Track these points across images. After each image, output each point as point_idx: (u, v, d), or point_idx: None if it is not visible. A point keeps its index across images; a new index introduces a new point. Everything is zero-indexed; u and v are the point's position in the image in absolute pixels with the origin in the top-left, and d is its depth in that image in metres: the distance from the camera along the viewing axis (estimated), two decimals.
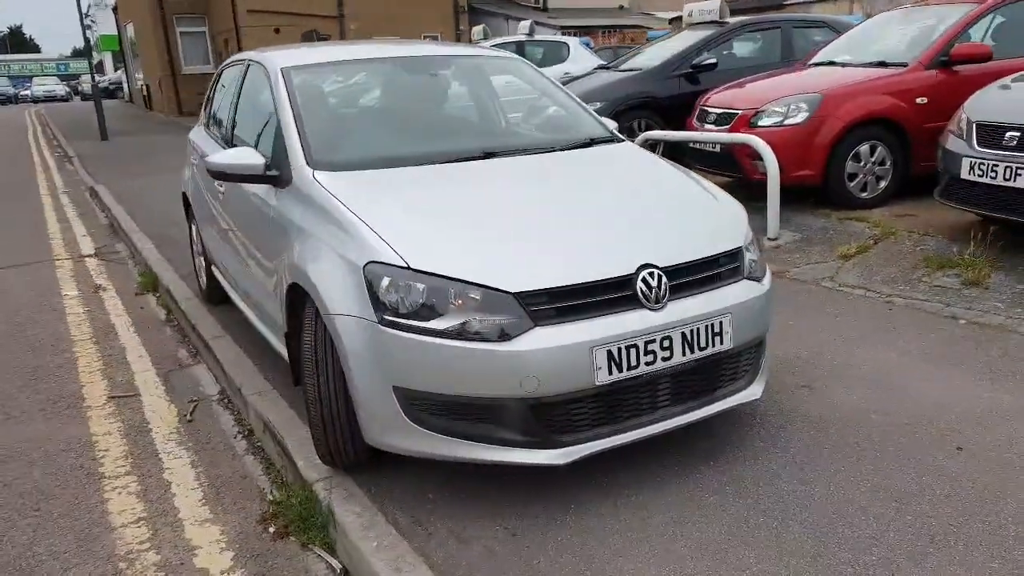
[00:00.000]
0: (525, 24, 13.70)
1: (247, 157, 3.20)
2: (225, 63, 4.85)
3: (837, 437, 2.95)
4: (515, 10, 34.51)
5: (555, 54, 13.77)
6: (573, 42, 14.24)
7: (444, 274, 2.41)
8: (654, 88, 8.18)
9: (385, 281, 2.46)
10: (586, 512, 2.56)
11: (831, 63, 6.70)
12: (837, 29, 8.72)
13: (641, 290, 2.49)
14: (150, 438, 3.60)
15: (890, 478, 2.65)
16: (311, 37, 31.11)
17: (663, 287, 2.53)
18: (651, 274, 2.52)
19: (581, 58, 13.55)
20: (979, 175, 4.48)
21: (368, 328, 2.47)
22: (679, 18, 26.69)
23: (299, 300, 2.90)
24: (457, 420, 2.45)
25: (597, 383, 2.41)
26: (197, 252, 5.20)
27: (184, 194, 5.21)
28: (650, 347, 2.47)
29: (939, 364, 3.56)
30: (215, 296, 5.04)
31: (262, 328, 3.69)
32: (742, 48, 8.64)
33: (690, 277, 2.62)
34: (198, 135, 4.90)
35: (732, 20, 8.84)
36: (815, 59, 7.10)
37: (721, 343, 2.63)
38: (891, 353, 3.73)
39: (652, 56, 8.79)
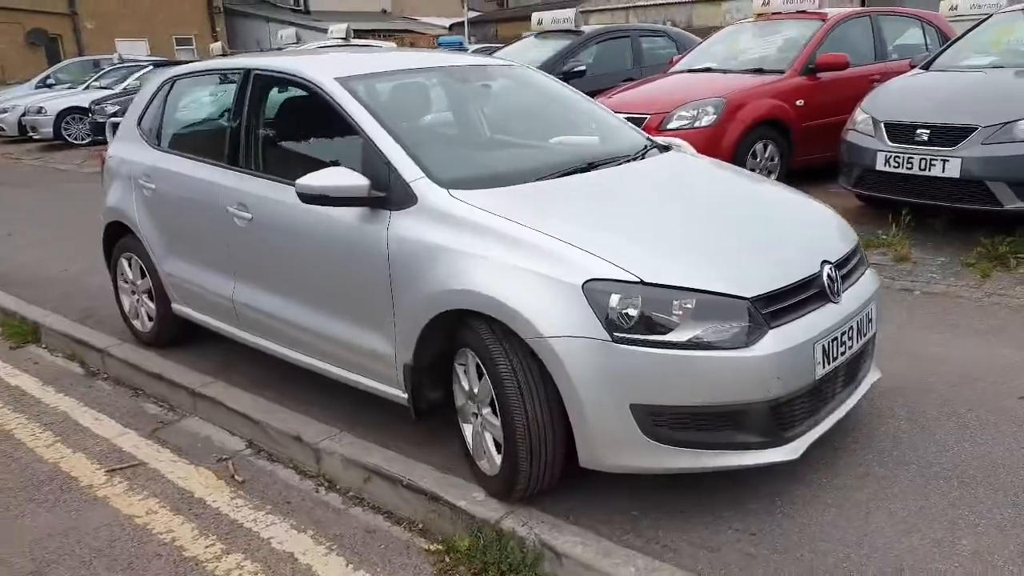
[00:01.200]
0: (340, 28, 13.23)
1: (350, 178, 2.87)
2: (177, 73, 4.24)
3: (924, 403, 3.31)
4: (274, 12, 33.06)
5: None
6: (389, 47, 14.00)
7: (681, 285, 2.39)
8: None
9: (615, 298, 2.38)
10: (794, 501, 2.66)
11: (707, 69, 7.34)
12: (673, 38, 9.54)
13: (827, 285, 2.66)
14: (212, 508, 3.09)
15: (998, 430, 3.06)
16: (38, 37, 27.38)
17: (838, 280, 2.72)
18: (830, 269, 2.70)
19: None
20: (895, 166, 5.23)
21: (599, 348, 2.36)
22: (460, 23, 26.99)
23: (446, 329, 2.70)
24: (698, 430, 2.44)
25: (816, 377, 2.54)
26: (135, 290, 4.48)
27: (113, 224, 4.45)
28: (843, 338, 2.65)
29: (934, 330, 4.12)
30: (165, 339, 4.40)
31: (332, 368, 3.30)
32: (598, 55, 9.12)
33: (846, 269, 2.83)
34: (145, 155, 4.20)
35: (586, 28, 9.30)
36: (685, 66, 7.73)
37: (871, 328, 2.87)
38: (887, 325, 4.24)
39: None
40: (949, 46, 6.31)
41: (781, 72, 6.78)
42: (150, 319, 4.44)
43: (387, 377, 3.05)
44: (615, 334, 2.36)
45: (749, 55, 7.38)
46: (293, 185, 3.21)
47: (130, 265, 4.46)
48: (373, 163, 2.96)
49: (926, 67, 6.15)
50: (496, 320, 2.55)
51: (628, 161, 3.38)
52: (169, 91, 4.22)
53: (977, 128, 4.87)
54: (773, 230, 2.85)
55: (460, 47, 16.06)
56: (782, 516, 2.59)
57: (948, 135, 4.98)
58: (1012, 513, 2.54)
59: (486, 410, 2.69)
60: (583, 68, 8.53)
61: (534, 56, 8.87)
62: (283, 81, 3.53)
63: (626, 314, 2.37)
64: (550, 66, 8.61)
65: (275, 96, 3.58)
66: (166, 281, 4.15)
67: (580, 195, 2.96)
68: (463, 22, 24.13)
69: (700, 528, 2.56)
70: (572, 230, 2.59)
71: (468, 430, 2.90)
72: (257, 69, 3.61)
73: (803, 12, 7.57)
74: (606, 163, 3.27)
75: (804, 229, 2.94)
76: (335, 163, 3.10)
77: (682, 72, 7.60)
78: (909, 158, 5.14)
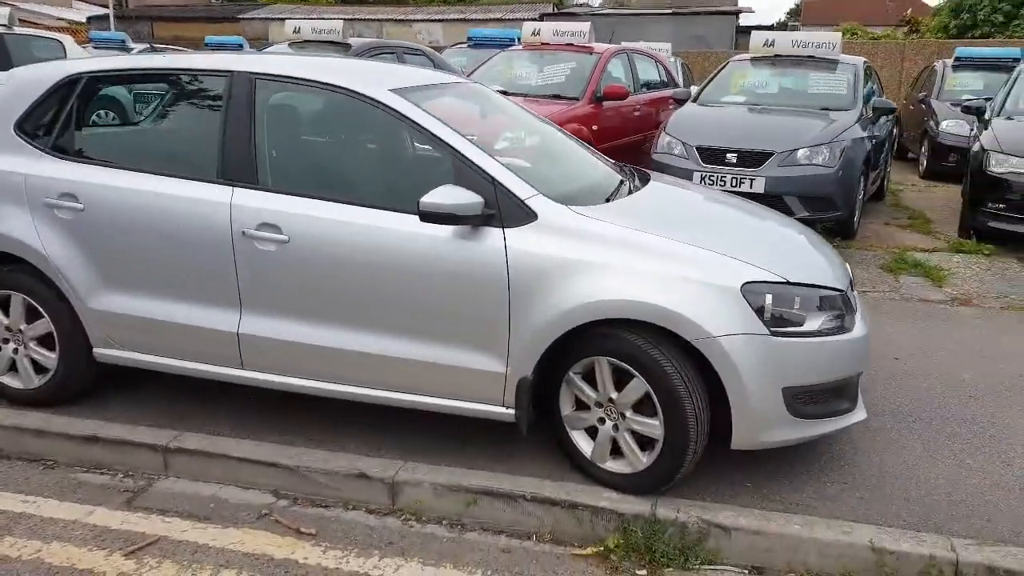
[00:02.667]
0: (2, 12, 11.01)
1: (467, 196, 2.82)
2: (89, 70, 3.46)
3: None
4: None
5: (50, 55, 11.46)
6: (68, 42, 12.02)
7: (814, 283, 2.87)
8: None
9: (768, 297, 2.77)
10: (854, 458, 3.28)
11: (504, 92, 7.84)
12: (430, 57, 9.90)
13: (850, 278, 3.35)
14: (317, 566, 2.77)
15: (942, 392, 4.02)
16: None
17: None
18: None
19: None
20: (710, 184, 6.30)
21: (761, 342, 2.73)
22: (103, 17, 23.49)
23: (585, 338, 2.85)
24: (821, 403, 2.92)
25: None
26: (13, 338, 3.57)
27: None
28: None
29: None
30: (66, 395, 3.62)
31: (398, 396, 3.11)
32: None
33: None
34: (51, 168, 3.37)
35: (355, 41, 9.17)
36: None
37: None
38: None
39: None
40: (705, 86, 7.72)
41: (576, 99, 7.59)
42: (39, 372, 3.58)
43: (486, 396, 3.02)
44: (772, 328, 2.76)
45: (535, 81, 8.08)
46: (361, 206, 3.05)
47: (5, 308, 3.54)
48: (472, 180, 2.92)
49: (694, 101, 7.45)
50: (648, 326, 2.76)
51: (639, 185, 3.68)
52: (80, 91, 3.45)
53: (774, 153, 6.15)
54: (806, 239, 3.46)
55: (123, 45, 14.46)
56: (853, 468, 3.20)
57: (752, 158, 6.19)
58: (1006, 444, 3.44)
59: (629, 412, 2.87)
60: None
61: None
62: (312, 90, 3.21)
63: (784, 310, 2.77)
64: None
65: (298, 106, 3.23)
66: (94, 321, 3.41)
67: (663, 212, 3.28)
68: (107, 16, 21.30)
69: (807, 487, 3.06)
70: (706, 240, 2.91)
71: (580, 437, 3.03)
72: (261, 75, 3.21)
73: (571, 45, 8.50)
74: (631, 185, 3.58)
75: (818, 237, 3.61)
76: (377, 178, 2.99)
77: None
78: (722, 176, 6.25)
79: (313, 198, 3.10)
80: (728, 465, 3.12)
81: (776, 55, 7.71)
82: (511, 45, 13.75)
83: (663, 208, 3.39)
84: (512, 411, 3.01)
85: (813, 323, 2.85)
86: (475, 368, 2.99)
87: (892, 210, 8.56)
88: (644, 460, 2.89)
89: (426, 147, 3.16)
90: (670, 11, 19.80)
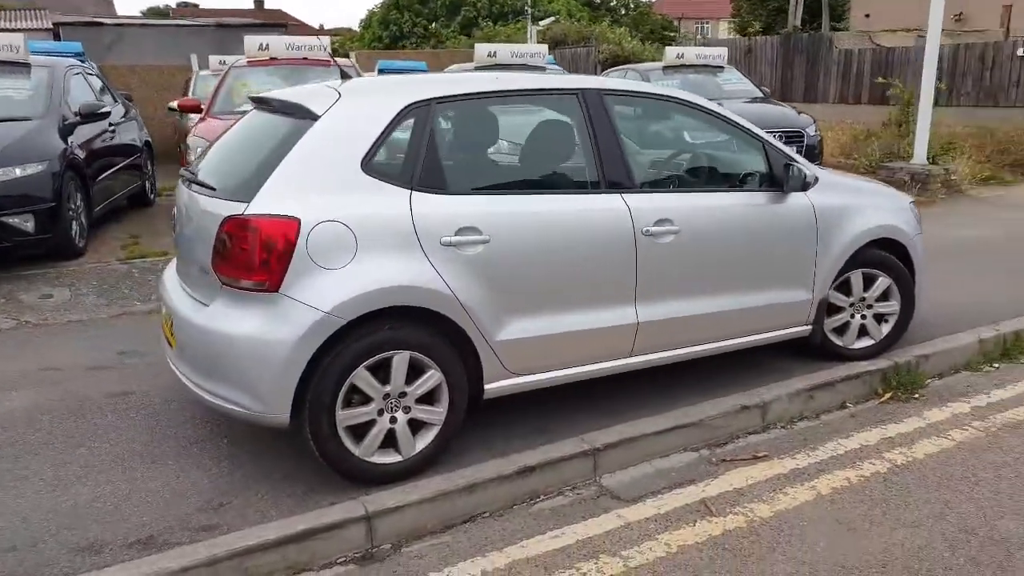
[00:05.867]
0: None
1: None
2: (437, 96, 3.20)
3: None
4: None
5: None
6: None
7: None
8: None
9: (916, 210, 4.58)
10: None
11: None
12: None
13: None
14: (806, 466, 3.57)
15: None
16: None
17: None
18: None
19: None
20: None
21: (920, 237, 4.53)
22: None
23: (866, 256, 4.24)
24: None
25: None
26: (390, 407, 3.14)
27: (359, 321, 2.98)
28: None
29: None
30: (441, 451, 3.36)
31: (738, 341, 3.99)
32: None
33: None
34: (438, 205, 3.13)
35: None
36: (235, 105, 7.61)
37: None
38: None
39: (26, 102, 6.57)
40: None
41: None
42: (425, 439, 3.25)
43: (796, 320, 4.15)
44: (920, 229, 4.56)
45: None
46: (717, 191, 3.97)
47: (381, 373, 3.08)
48: (779, 162, 3.96)
49: None
50: (887, 240, 4.29)
51: None
52: (432, 118, 3.16)
53: None
54: None
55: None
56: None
57: None
58: None
59: (875, 303, 4.35)
60: (108, 109, 7.07)
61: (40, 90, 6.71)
62: (645, 102, 3.71)
63: (918, 217, 4.59)
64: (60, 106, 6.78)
65: (635, 116, 3.65)
66: (497, 355, 3.30)
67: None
68: None
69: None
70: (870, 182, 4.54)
71: (833, 335, 4.36)
72: (610, 91, 3.58)
73: (306, 59, 8.46)
74: None
75: None
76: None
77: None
78: None
79: (686, 192, 3.69)
80: None
81: (496, 64, 9.19)
82: (76, 57, 12.32)
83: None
84: (810, 327, 4.19)
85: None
86: (794, 300, 4.09)
87: None
88: (883, 332, 4.42)
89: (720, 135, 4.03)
90: (213, 23, 18.76)
